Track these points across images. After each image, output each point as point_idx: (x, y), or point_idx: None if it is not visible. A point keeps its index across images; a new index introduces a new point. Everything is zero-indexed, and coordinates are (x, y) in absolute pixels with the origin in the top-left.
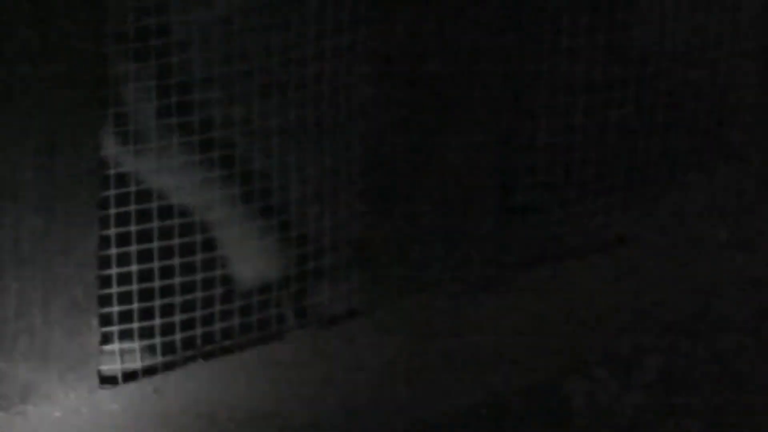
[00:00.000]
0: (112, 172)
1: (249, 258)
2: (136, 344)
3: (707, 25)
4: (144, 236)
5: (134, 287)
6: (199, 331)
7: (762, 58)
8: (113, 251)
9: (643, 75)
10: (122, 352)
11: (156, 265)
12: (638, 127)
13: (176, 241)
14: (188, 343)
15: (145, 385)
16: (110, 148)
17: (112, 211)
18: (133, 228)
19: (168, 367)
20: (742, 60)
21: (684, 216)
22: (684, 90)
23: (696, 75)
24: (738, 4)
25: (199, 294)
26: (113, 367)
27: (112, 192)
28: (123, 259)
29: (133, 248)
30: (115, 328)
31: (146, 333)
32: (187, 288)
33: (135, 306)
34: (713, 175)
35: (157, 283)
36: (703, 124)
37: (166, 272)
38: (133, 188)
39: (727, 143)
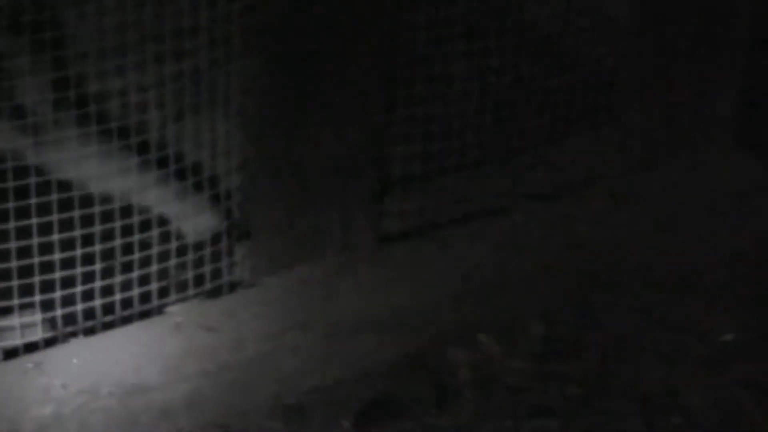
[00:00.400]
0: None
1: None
2: (16, 321)
3: None
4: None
5: (13, 264)
6: (79, 307)
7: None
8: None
9: (523, 41)
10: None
11: (35, 241)
12: (519, 92)
13: (55, 217)
14: (69, 319)
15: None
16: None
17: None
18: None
19: (49, 343)
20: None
21: (566, 181)
22: (564, 54)
23: (576, 39)
24: None
25: (78, 270)
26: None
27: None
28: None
29: (11, 225)
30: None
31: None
32: (67, 263)
33: (15, 283)
34: (596, 138)
35: (36, 259)
36: (584, 88)
37: (46, 248)
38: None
39: (609, 107)
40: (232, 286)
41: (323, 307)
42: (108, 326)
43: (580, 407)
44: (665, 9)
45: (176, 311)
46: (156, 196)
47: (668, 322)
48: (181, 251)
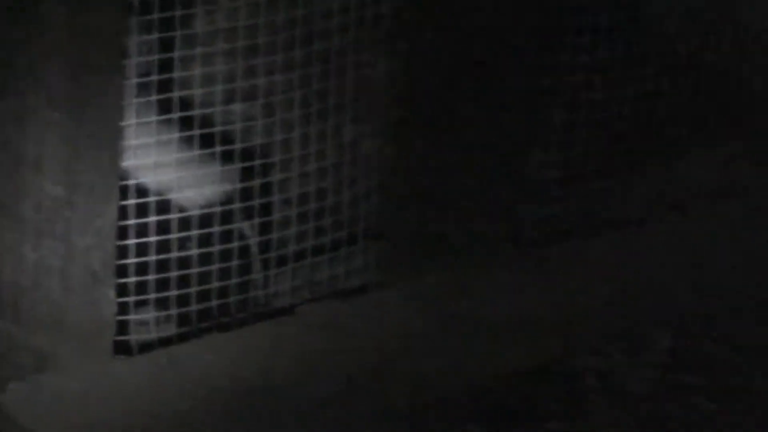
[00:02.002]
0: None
1: None
2: (151, 315)
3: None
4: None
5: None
6: (215, 303)
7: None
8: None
9: (663, 51)
10: (138, 323)
11: (174, 236)
12: (656, 102)
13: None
14: (204, 314)
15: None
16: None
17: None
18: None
19: (183, 338)
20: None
21: (702, 192)
22: (702, 66)
23: (715, 52)
24: None
25: (215, 265)
26: (129, 337)
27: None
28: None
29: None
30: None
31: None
32: (204, 259)
33: (151, 277)
34: (732, 150)
35: (174, 255)
36: (712, 97)
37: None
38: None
39: (737, 117)
40: (364, 288)
41: (457, 311)
42: (241, 323)
43: (709, 420)
44: None
45: (308, 311)
46: None
47: None
48: (318, 251)
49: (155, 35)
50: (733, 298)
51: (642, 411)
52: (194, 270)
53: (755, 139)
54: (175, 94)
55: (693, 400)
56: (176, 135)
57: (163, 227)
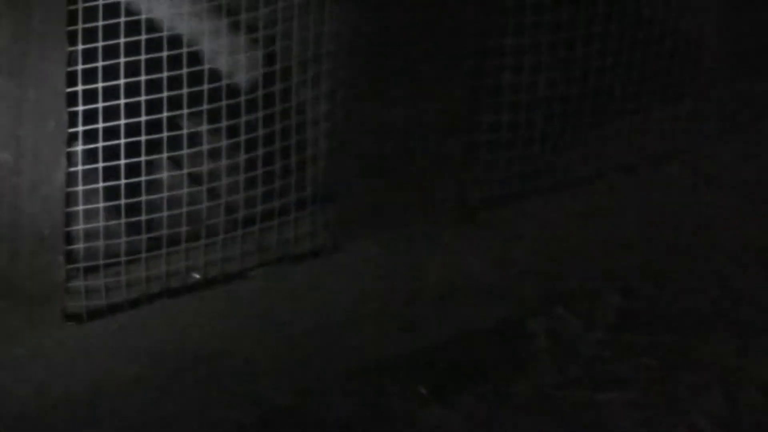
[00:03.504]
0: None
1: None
2: (101, 281)
3: None
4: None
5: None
6: (164, 269)
7: None
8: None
9: (611, 11)
10: (87, 290)
11: (122, 202)
12: (603, 63)
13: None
14: (154, 280)
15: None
16: None
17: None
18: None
19: (134, 304)
20: None
21: (649, 153)
22: (651, 26)
23: (665, 12)
24: None
25: (164, 231)
26: (79, 304)
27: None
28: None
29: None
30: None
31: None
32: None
33: (101, 243)
34: (679, 111)
35: (123, 220)
36: (663, 61)
37: (132, 209)
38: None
39: (693, 79)
40: (315, 252)
41: (405, 274)
42: (190, 289)
43: (657, 379)
44: None
45: (258, 275)
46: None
47: (747, 297)
48: (266, 216)
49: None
50: (681, 258)
51: (591, 370)
52: (144, 236)
53: (703, 100)
54: (122, 61)
55: (641, 359)
56: (123, 102)
57: (111, 192)
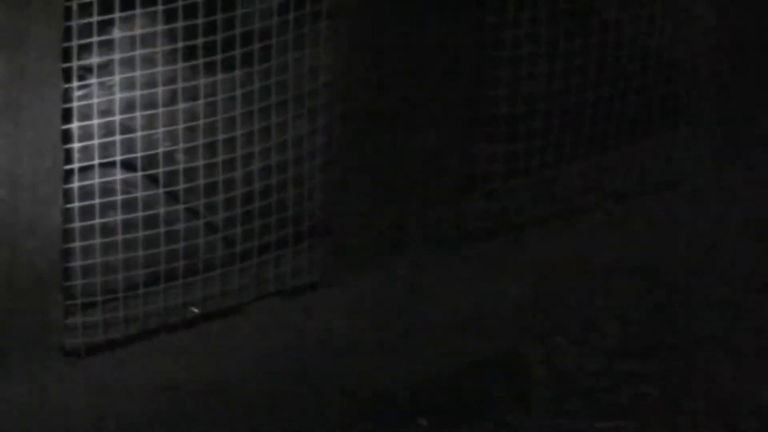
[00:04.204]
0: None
1: None
2: (99, 318)
3: None
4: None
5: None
6: (162, 304)
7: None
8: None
9: (606, 42)
10: (85, 326)
11: (119, 238)
12: (596, 94)
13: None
14: (151, 316)
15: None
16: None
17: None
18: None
19: (131, 340)
20: (695, 26)
21: (645, 181)
22: (645, 55)
23: (658, 41)
24: None
25: (162, 266)
26: (76, 340)
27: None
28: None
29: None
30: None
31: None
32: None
33: (98, 280)
34: (675, 138)
35: (120, 256)
36: (656, 89)
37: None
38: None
39: (680, 108)
40: (313, 285)
41: (404, 305)
42: (188, 324)
43: (657, 408)
44: (745, 9)
45: (256, 309)
46: None
47: (746, 323)
48: (263, 249)
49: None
50: (679, 286)
51: (590, 400)
52: (140, 271)
53: (698, 129)
54: (117, 97)
55: (640, 387)
56: (118, 138)
57: (108, 229)
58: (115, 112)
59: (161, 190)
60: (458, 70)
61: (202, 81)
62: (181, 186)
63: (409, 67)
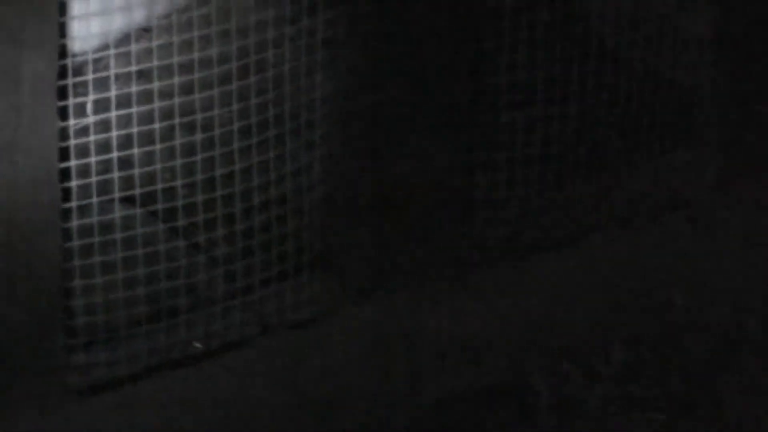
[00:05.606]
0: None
1: None
2: (102, 356)
3: (662, 11)
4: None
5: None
6: (164, 341)
7: (717, 41)
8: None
9: (604, 64)
10: (89, 364)
11: (120, 276)
12: (597, 117)
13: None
14: (155, 352)
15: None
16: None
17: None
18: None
19: (134, 377)
20: (699, 45)
21: (644, 204)
22: (640, 78)
23: (653, 62)
24: None
25: (164, 304)
26: (80, 379)
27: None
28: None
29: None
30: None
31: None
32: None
33: (100, 318)
34: (675, 160)
35: (121, 294)
36: (661, 110)
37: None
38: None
39: (686, 128)
40: (314, 318)
41: (406, 335)
42: (192, 360)
43: None
44: (745, 28)
45: (258, 343)
46: None
47: (751, 346)
48: (264, 283)
49: None
50: (684, 309)
51: (597, 426)
52: (142, 309)
53: (701, 150)
54: (113, 134)
55: (647, 413)
56: (116, 175)
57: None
58: (113, 148)
59: (161, 226)
60: (457, 98)
61: (199, 116)
62: (181, 222)
63: (408, 99)
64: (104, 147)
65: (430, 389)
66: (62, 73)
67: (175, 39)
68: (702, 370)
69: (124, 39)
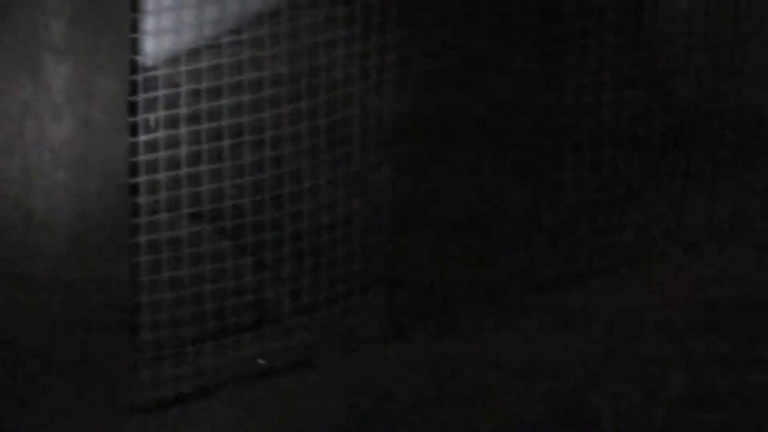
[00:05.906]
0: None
1: None
2: (168, 371)
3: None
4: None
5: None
6: (231, 357)
7: None
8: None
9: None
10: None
11: (188, 291)
12: (665, 141)
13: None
14: (220, 369)
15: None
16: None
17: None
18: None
19: (201, 393)
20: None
21: (712, 228)
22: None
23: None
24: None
25: (230, 319)
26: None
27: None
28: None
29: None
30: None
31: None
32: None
33: (167, 332)
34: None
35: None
36: (729, 133)
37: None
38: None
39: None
40: (380, 338)
41: (471, 358)
42: (259, 376)
43: None
44: None
45: (323, 362)
46: None
47: None
48: (330, 302)
49: None
50: (746, 334)
51: None
52: (210, 325)
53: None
54: (183, 151)
55: None
56: (185, 191)
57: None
58: (182, 164)
59: (229, 243)
60: (524, 121)
61: (269, 134)
62: (250, 240)
63: (470, 123)
64: (173, 163)
65: (491, 412)
66: (133, 89)
67: (245, 56)
68: (763, 396)
69: (194, 55)
